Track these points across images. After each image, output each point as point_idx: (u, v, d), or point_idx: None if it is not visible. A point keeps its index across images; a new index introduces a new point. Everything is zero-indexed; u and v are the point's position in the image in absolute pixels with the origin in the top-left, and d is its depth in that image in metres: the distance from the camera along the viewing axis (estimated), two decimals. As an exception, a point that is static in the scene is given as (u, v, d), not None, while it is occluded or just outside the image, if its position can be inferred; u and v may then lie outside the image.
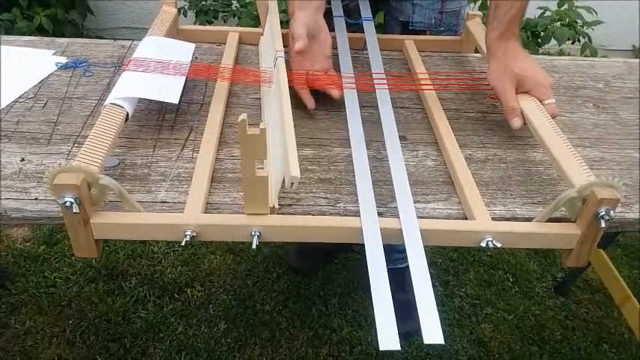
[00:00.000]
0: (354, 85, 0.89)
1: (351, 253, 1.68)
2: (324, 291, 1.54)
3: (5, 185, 0.69)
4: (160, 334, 1.38)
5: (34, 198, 0.67)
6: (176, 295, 1.49)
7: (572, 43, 1.83)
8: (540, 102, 0.83)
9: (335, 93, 0.88)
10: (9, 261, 1.57)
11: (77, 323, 1.40)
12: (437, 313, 0.55)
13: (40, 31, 2.19)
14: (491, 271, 1.68)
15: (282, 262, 1.63)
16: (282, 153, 0.64)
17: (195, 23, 2.52)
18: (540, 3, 1.86)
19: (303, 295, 1.52)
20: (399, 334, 1.51)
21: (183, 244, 0.62)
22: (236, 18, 2.56)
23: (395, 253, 1.46)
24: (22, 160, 0.74)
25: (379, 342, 0.52)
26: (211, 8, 2.55)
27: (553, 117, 0.82)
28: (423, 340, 0.54)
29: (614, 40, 2.78)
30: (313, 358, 1.35)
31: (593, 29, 1.82)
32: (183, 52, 0.89)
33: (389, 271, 1.53)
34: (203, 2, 2.57)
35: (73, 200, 0.57)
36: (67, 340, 1.35)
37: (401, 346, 0.53)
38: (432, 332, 0.53)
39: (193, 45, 0.93)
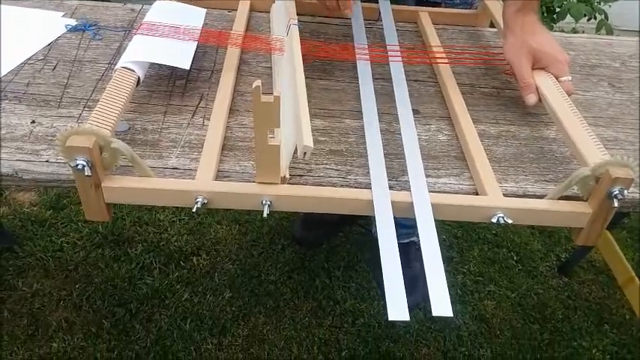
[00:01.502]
0: (368, 57, 0.87)
1: (356, 226, 1.69)
2: (329, 263, 1.55)
3: (16, 147, 0.69)
4: (165, 300, 1.40)
5: (45, 160, 0.67)
6: (182, 263, 1.51)
7: (589, 20, 1.80)
8: (556, 79, 0.82)
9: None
10: (16, 224, 1.59)
11: (84, 288, 1.41)
12: (446, 287, 0.55)
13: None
14: (495, 249, 1.68)
15: (288, 234, 1.63)
16: (294, 123, 0.63)
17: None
18: (557, -21, 1.82)
19: (308, 266, 1.54)
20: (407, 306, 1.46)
21: (194, 210, 0.61)
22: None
23: (400, 227, 1.46)
24: (33, 122, 0.73)
25: (388, 313, 0.52)
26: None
27: (569, 94, 0.80)
28: (431, 312, 0.54)
29: (627, 20, 2.73)
30: (316, 329, 1.37)
31: (610, 6, 1.78)
32: (194, 17, 0.88)
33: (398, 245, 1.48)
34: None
35: (85, 163, 0.57)
36: (74, 303, 1.37)
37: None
38: (441, 305, 0.53)
39: (204, 10, 0.92)
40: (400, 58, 0.88)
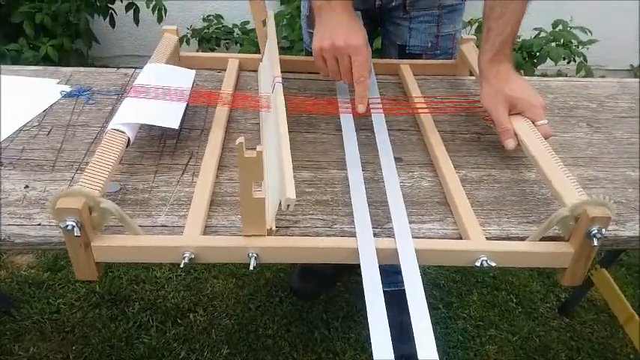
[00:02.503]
0: (350, 110, 0.91)
1: (354, 275, 1.68)
2: (327, 314, 1.54)
3: (9, 212, 0.70)
4: (163, 359, 1.38)
5: (37, 224, 0.69)
6: (179, 320, 1.50)
7: (568, 63, 1.86)
8: (533, 123, 0.85)
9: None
10: (13, 287, 1.59)
11: (80, 349, 1.40)
12: (431, 331, 0.55)
13: (46, 60, 2.24)
14: (494, 292, 1.67)
15: (285, 286, 1.63)
16: (279, 176, 0.66)
17: (197, 51, 2.57)
18: (535, 24, 1.90)
19: (306, 318, 1.52)
20: (402, 355, 1.50)
21: (182, 265, 0.63)
22: (238, 45, 2.61)
23: (397, 275, 1.47)
24: (26, 187, 0.75)
25: (374, 354, 0.53)
26: (213, 36, 2.61)
27: (546, 137, 0.83)
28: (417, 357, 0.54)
29: (610, 60, 2.82)
30: (316, 382, 1.34)
31: (587, 48, 1.85)
32: (183, 78, 0.92)
33: (392, 293, 1.55)
34: (205, 30, 2.63)
35: (74, 224, 0.59)
36: (71, 366, 1.36)
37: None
38: (427, 349, 0.54)
39: (194, 72, 0.96)
40: (382, 110, 0.91)
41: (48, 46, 2.26)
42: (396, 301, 1.59)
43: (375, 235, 0.68)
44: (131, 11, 2.42)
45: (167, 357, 1.39)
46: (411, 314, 0.57)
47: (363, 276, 0.62)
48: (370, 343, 1.54)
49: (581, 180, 0.85)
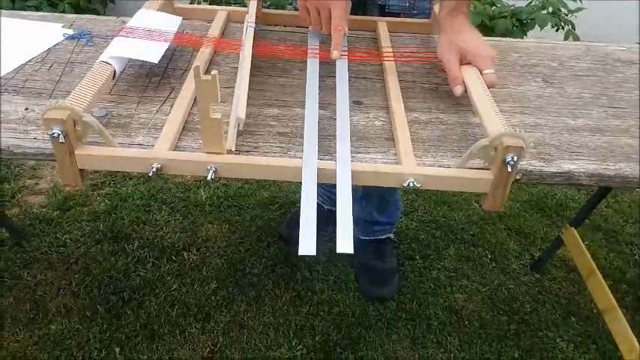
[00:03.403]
0: (317, 55, 1.00)
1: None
2: (310, 258, 1.66)
3: (10, 128, 0.82)
4: (155, 290, 1.52)
5: (32, 137, 0.80)
6: (173, 257, 1.63)
7: (557, 30, 1.91)
8: (480, 72, 0.93)
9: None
10: (26, 223, 1.73)
11: (82, 278, 1.54)
12: (351, 229, 0.66)
13: (63, 18, 2.36)
14: (471, 248, 1.77)
15: (274, 233, 1.75)
16: (236, 100, 0.76)
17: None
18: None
19: (290, 261, 1.64)
20: (375, 297, 1.68)
21: (150, 174, 0.74)
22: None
23: (376, 225, 1.57)
24: (26, 109, 0.87)
25: (299, 248, 0.63)
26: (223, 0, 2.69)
27: (491, 85, 0.91)
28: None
29: (621, 41, 2.83)
30: (294, 316, 1.47)
31: (576, 16, 1.90)
32: (170, 23, 1.02)
33: (371, 241, 1.70)
34: (216, -6, 2.71)
35: (60, 132, 0.70)
36: (73, 292, 1.50)
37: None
38: (344, 244, 0.64)
39: (180, 18, 1.06)
40: (346, 57, 1.01)
41: (65, 4, 2.38)
42: (372, 248, 1.71)
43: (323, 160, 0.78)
44: (145, -27, 2.51)
45: (160, 288, 1.52)
46: (337, 214, 0.67)
47: (302, 188, 0.72)
48: (347, 286, 1.67)
49: (523, 125, 0.93)
